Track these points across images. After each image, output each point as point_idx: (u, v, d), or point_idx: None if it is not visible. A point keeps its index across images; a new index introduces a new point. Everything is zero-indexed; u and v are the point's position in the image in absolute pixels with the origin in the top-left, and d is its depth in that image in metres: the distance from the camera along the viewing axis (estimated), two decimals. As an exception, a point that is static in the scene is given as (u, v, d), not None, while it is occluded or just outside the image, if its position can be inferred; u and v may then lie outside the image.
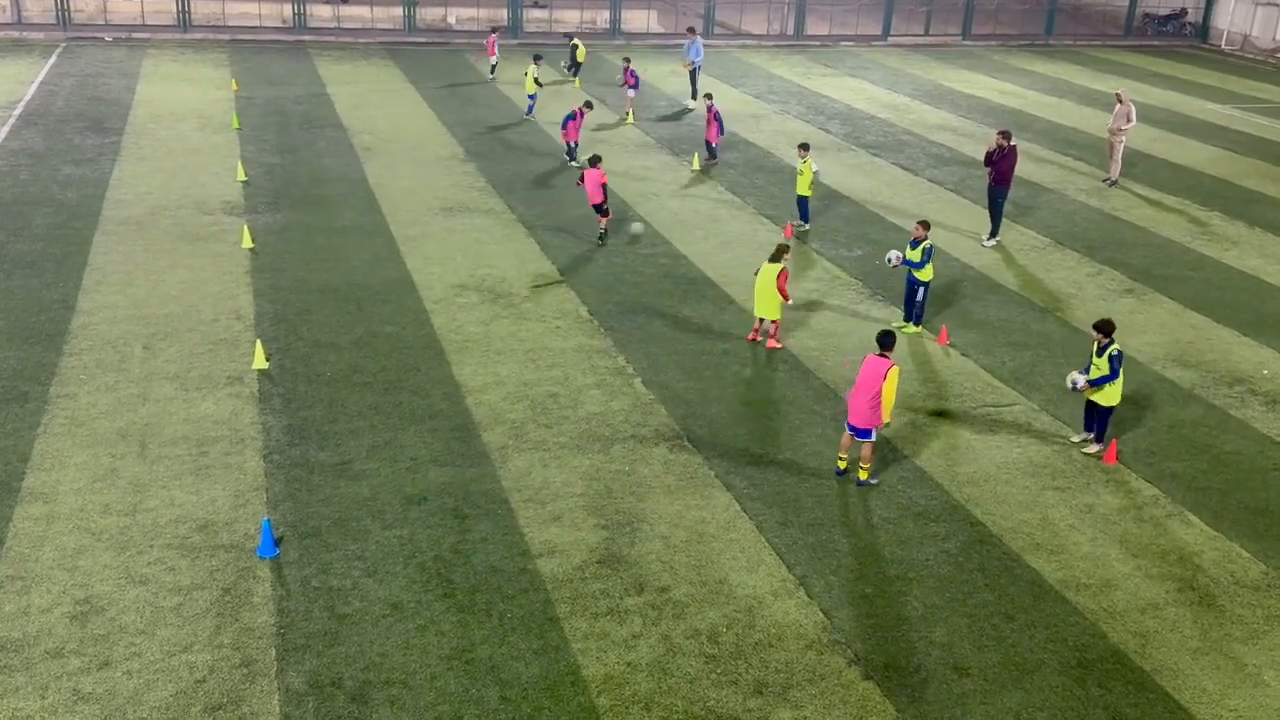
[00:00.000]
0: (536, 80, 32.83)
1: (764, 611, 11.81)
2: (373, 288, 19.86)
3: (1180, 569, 12.90)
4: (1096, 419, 15.33)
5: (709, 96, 29.26)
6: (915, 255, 18.48)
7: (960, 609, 12.00)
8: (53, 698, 10.19)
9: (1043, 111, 36.96)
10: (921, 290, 18.79)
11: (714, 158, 28.84)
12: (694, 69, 35.71)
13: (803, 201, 23.86)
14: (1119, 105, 28.48)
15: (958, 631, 11.64)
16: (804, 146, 23.75)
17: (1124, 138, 28.69)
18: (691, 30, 37.23)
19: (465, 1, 48.92)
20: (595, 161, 22.69)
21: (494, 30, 40.35)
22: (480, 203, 25.00)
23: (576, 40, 38.96)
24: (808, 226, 24.06)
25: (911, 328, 18.99)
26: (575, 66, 38.42)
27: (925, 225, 18.61)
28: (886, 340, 13.90)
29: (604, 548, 12.75)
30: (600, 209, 22.56)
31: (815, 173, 23.63)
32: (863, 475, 14.22)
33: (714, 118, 28.22)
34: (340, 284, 19.94)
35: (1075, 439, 15.59)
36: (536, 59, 33.62)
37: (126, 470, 13.83)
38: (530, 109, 32.97)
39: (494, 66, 38.44)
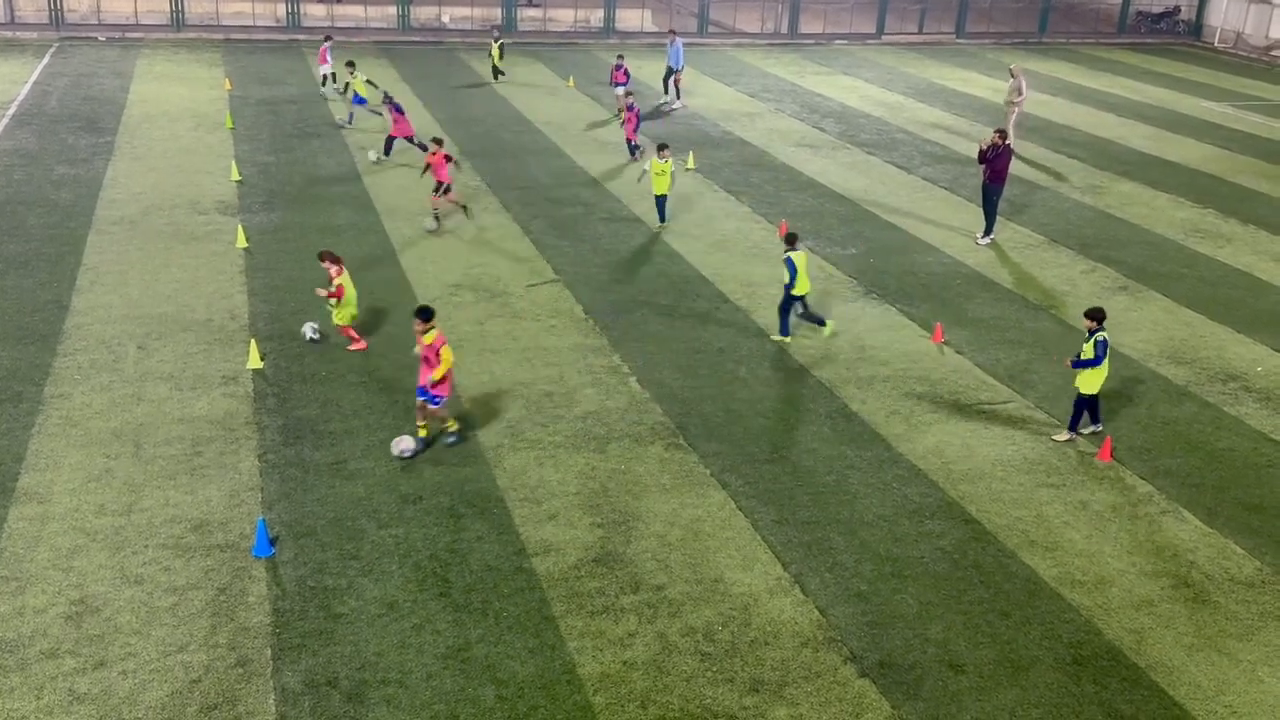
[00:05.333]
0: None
1: (759, 609, 11.82)
2: (368, 286, 19.83)
3: (1174, 566, 12.93)
4: (1073, 405, 15.39)
5: (630, 94, 29.28)
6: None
7: (955, 606, 12.02)
8: (48, 698, 10.18)
9: (1036, 109, 36.97)
10: (787, 297, 18.00)
11: (634, 155, 28.65)
12: (675, 72, 35.58)
13: (660, 200, 23.34)
14: (1012, 79, 31.27)
15: (953, 628, 11.66)
16: (663, 147, 23.26)
17: (1017, 109, 31.40)
18: (673, 32, 37.23)
19: (460, 0, 48.88)
20: (439, 143, 22.93)
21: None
22: (475, 201, 24.97)
23: (502, 40, 38.42)
24: (665, 226, 23.54)
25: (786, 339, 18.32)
26: (495, 69, 37.85)
27: (790, 236, 17.83)
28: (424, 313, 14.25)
29: (599, 546, 12.75)
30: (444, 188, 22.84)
31: (673, 174, 23.12)
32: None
33: (635, 116, 28.12)
34: (335, 283, 19.91)
35: (1059, 438, 15.58)
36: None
37: (121, 470, 13.82)
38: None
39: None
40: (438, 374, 14.10)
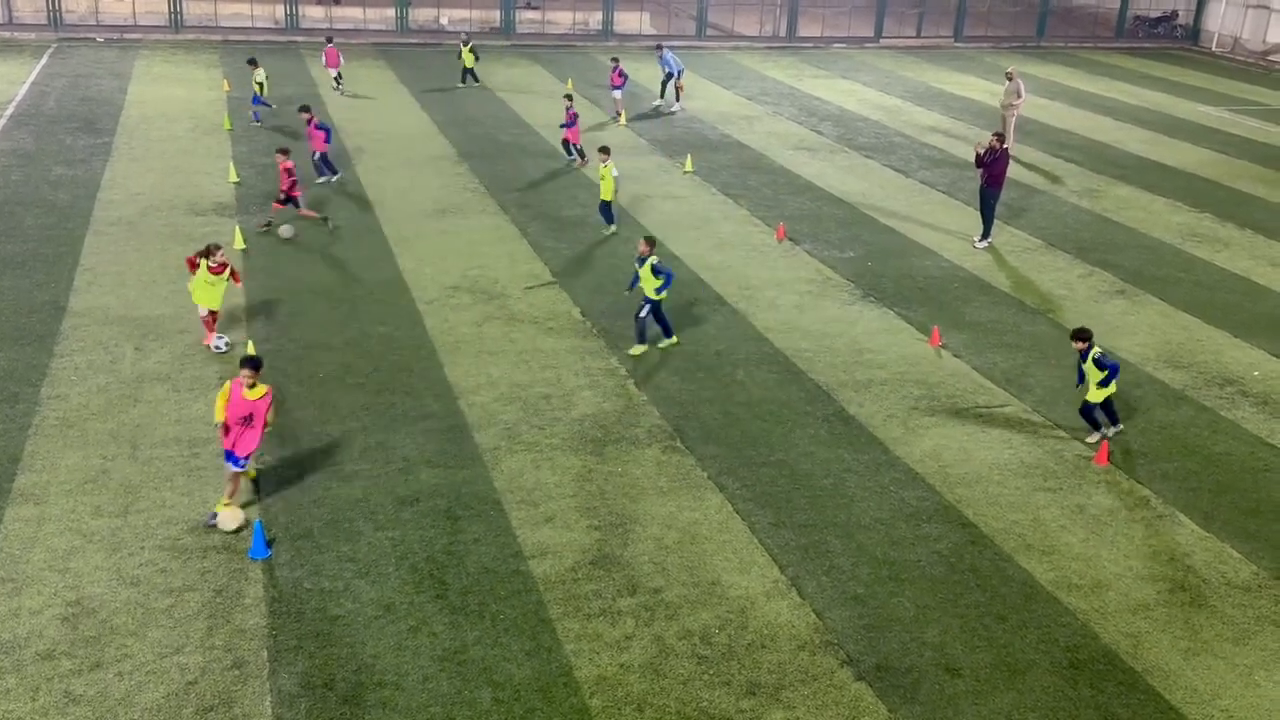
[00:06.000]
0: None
1: (756, 612, 11.81)
2: (365, 288, 19.85)
3: (1171, 570, 12.94)
4: (1083, 412, 15.52)
5: (569, 98, 29.24)
6: (645, 273, 17.36)
7: (952, 610, 12.02)
8: (44, 699, 10.16)
9: (1034, 113, 37.01)
10: (647, 308, 17.59)
11: (573, 156, 28.47)
12: (675, 77, 35.72)
13: (605, 206, 23.08)
14: (1009, 82, 31.36)
15: (950, 632, 11.66)
16: (604, 150, 22.97)
17: (1015, 111, 31.33)
18: (660, 45, 37.86)
19: (458, 2, 48.91)
20: (285, 152, 22.73)
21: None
22: (473, 203, 24.99)
23: (471, 42, 38.28)
24: (614, 229, 23.18)
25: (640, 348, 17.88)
26: (467, 72, 37.44)
27: (650, 242, 17.50)
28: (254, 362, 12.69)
29: (596, 549, 12.75)
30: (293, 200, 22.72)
31: (616, 178, 22.84)
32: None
33: (572, 119, 27.98)
34: (332, 285, 19.92)
35: (1093, 439, 15.63)
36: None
37: (118, 471, 13.80)
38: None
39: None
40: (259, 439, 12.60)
